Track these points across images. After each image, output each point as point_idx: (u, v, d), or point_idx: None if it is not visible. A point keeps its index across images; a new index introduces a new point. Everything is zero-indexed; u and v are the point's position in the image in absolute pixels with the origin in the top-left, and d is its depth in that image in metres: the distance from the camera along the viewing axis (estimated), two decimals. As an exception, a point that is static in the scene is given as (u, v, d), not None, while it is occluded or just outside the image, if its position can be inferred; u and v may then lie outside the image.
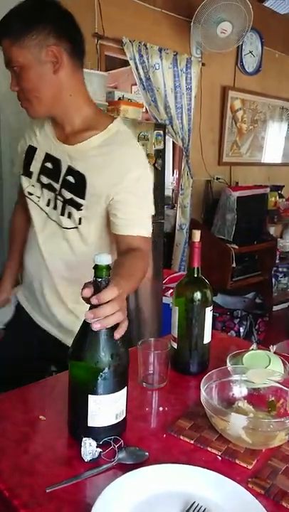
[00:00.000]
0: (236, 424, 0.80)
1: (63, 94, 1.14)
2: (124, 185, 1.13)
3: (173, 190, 4.01)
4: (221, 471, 0.75)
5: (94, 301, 0.76)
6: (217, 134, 4.05)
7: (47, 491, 0.70)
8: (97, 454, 0.77)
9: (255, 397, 0.95)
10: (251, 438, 0.80)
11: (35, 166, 1.25)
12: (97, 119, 1.19)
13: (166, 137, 2.85)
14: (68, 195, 1.18)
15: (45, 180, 1.23)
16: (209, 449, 0.83)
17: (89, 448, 0.77)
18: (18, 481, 0.73)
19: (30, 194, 1.26)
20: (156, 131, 2.69)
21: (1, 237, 2.50)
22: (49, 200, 1.23)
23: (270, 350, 1.11)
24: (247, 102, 4.22)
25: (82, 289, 0.79)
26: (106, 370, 0.79)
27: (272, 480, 0.75)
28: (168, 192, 3.80)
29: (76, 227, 1.19)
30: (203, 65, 3.60)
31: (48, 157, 1.22)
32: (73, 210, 1.18)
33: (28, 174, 1.26)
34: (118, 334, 0.80)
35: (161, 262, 2.93)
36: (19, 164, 1.31)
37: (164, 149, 2.76)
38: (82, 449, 0.77)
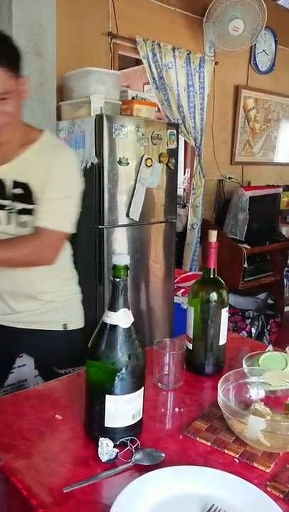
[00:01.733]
0: (254, 427, 0.79)
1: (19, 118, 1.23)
2: (49, 183, 1.22)
3: (184, 189, 4.00)
4: (239, 474, 0.75)
5: None
6: (229, 133, 4.03)
7: (64, 491, 0.70)
8: (114, 455, 0.77)
9: (272, 399, 0.94)
10: (269, 441, 0.79)
11: None
12: (29, 132, 1.27)
13: (179, 136, 2.84)
14: (19, 205, 1.23)
15: None
16: (226, 451, 0.82)
17: (106, 448, 0.76)
18: (35, 480, 0.73)
19: None
20: (169, 131, 2.68)
21: None
22: (0, 219, 1.25)
23: (286, 352, 1.10)
24: (260, 101, 4.19)
25: None
26: (123, 370, 0.79)
27: (291, 484, 0.74)
28: (180, 191, 3.79)
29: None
30: (216, 63, 3.58)
31: None
32: (26, 218, 1.23)
33: None
34: None
35: (172, 261, 2.92)
36: None
37: (176, 148, 2.75)
38: (100, 449, 0.77)
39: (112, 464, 0.76)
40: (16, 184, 1.24)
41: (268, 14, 3.33)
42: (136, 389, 0.81)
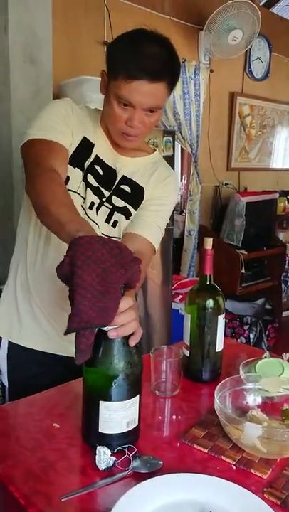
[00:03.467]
0: (251, 434, 0.79)
1: None
2: (161, 203, 1.22)
3: (181, 195, 4.01)
4: (236, 481, 0.75)
5: None
6: (226, 139, 4.05)
7: (62, 499, 0.70)
8: (111, 463, 0.77)
9: (269, 405, 0.94)
10: (266, 447, 0.79)
11: (87, 164, 1.16)
12: (144, 143, 1.27)
13: (175, 143, 2.86)
14: (121, 203, 1.18)
15: (93, 182, 1.15)
16: (223, 458, 0.82)
17: (103, 456, 0.77)
18: (32, 488, 0.73)
19: (74, 192, 1.12)
20: (165, 138, 2.70)
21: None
22: (92, 203, 1.15)
23: (283, 358, 1.10)
24: (255, 107, 4.22)
25: None
26: (119, 377, 0.79)
27: (288, 490, 0.74)
28: (176, 198, 3.80)
29: (119, 237, 1.18)
30: (211, 71, 3.61)
31: (99, 161, 1.17)
32: (122, 219, 1.18)
33: (81, 168, 1.14)
34: (133, 341, 0.80)
35: (170, 267, 2.93)
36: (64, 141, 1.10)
37: (173, 155, 2.77)
38: (97, 457, 0.77)
39: (109, 472, 0.77)
40: (126, 180, 1.19)
41: (262, 22, 3.36)
42: (130, 396, 0.81)
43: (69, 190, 1.07)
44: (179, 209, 3.94)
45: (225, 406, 0.87)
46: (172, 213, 2.88)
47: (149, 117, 1.08)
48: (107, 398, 0.79)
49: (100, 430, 0.81)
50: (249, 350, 1.39)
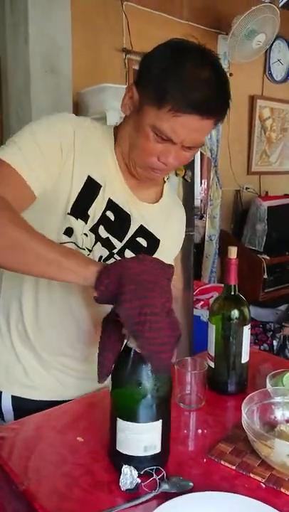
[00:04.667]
0: (281, 451, 0.76)
1: None
2: (173, 255, 1.15)
3: (201, 200, 3.99)
4: (266, 500, 0.72)
5: None
6: (246, 143, 4.01)
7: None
8: (134, 484, 0.74)
9: (298, 420, 0.91)
10: (297, 465, 0.76)
11: (95, 211, 0.96)
12: None
13: (195, 148, 2.84)
14: None
15: (104, 233, 0.98)
16: (252, 475, 0.79)
17: (129, 477, 0.74)
18: (57, 505, 0.72)
19: (77, 245, 0.96)
20: (185, 143, 2.68)
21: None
22: (100, 256, 0.99)
23: (311, 370, 1.07)
24: (276, 110, 4.17)
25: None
26: (139, 397, 0.75)
27: None
28: (197, 202, 3.78)
29: None
30: (230, 75, 3.58)
31: (112, 206, 0.98)
32: None
33: (84, 217, 0.96)
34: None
35: (191, 273, 2.90)
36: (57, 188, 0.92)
37: (193, 161, 2.75)
38: (122, 476, 0.74)
39: (136, 493, 0.74)
40: (143, 232, 1.02)
41: (282, 23, 3.32)
42: (149, 420, 0.76)
43: (73, 245, 0.94)
44: (199, 214, 3.91)
45: (252, 421, 0.85)
46: (192, 218, 2.88)
47: (186, 153, 0.92)
48: (125, 417, 0.76)
49: (118, 448, 0.78)
50: (274, 361, 1.36)
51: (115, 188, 0.98)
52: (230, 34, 3.25)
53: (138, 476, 0.75)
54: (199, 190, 3.96)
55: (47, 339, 1.04)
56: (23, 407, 1.05)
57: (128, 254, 1.02)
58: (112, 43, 2.91)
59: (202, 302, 3.07)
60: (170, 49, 0.88)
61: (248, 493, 0.74)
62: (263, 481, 0.78)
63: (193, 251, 2.92)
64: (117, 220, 0.99)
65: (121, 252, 1.02)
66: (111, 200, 0.98)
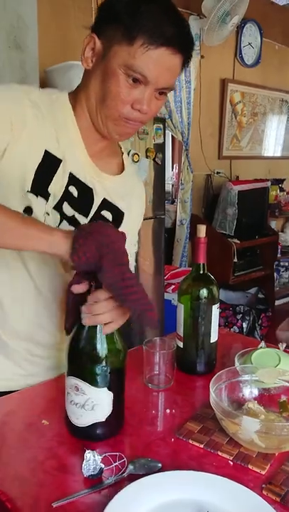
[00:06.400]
0: (248, 428, 0.76)
1: None
2: (136, 228, 1.13)
3: (173, 185, 3.97)
4: (233, 477, 0.72)
5: (89, 299, 0.77)
6: (217, 127, 4.00)
7: (54, 505, 0.66)
8: (98, 470, 0.72)
9: (266, 397, 0.91)
10: (264, 442, 0.76)
11: (56, 187, 0.92)
12: (115, 143, 1.06)
13: (166, 131, 2.81)
14: None
15: (68, 210, 0.95)
16: (220, 453, 0.79)
17: (92, 462, 0.72)
18: (21, 491, 0.69)
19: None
20: (155, 125, 2.64)
21: None
22: None
23: (279, 349, 1.07)
24: (247, 94, 4.17)
25: (72, 285, 0.79)
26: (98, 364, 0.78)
27: (287, 486, 0.71)
28: (168, 187, 3.76)
29: None
30: (202, 57, 3.55)
31: (74, 180, 0.94)
32: None
33: (44, 195, 0.91)
34: (105, 329, 0.78)
35: (161, 257, 2.89)
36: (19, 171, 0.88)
37: (164, 143, 2.72)
38: (84, 462, 0.72)
39: (98, 479, 0.72)
40: (107, 205, 1.00)
41: (253, 7, 3.31)
42: (103, 384, 0.79)
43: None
44: (171, 198, 3.90)
45: (221, 399, 0.84)
46: (164, 203, 2.86)
47: (158, 101, 0.89)
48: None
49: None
50: (243, 340, 1.36)
51: (76, 159, 0.94)
52: (210, 18, 3.20)
53: (101, 461, 0.73)
54: (170, 174, 3.94)
55: (12, 322, 0.99)
56: None
57: None
58: (80, 21, 2.82)
59: (173, 286, 3.06)
60: None
61: (216, 471, 0.74)
62: (231, 458, 0.78)
63: (164, 235, 2.91)
64: (81, 195, 0.96)
65: None
66: (72, 174, 0.94)
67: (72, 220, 0.96)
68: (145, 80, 0.84)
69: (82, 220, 0.97)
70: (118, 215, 1.04)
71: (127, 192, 1.07)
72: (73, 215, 0.96)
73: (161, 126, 2.67)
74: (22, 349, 1.02)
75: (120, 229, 0.88)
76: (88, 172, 0.97)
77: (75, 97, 0.96)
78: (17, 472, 0.73)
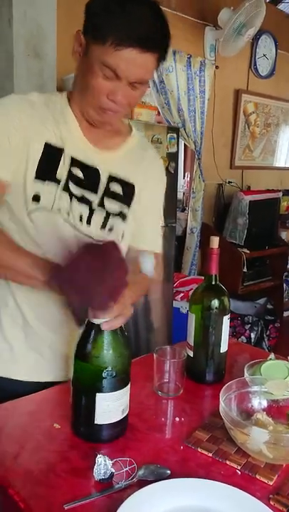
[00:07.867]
0: (257, 439, 0.77)
1: None
2: (156, 199, 1.17)
3: (184, 193, 3.98)
4: (241, 486, 0.73)
5: None
6: (229, 137, 4.02)
7: (65, 507, 0.67)
8: (108, 474, 0.73)
9: (275, 409, 0.92)
10: (272, 453, 0.77)
11: (62, 172, 1.00)
12: (121, 123, 1.12)
13: (179, 140, 2.83)
14: (115, 207, 1.06)
15: (76, 191, 1.01)
16: (228, 462, 0.80)
17: (103, 467, 0.73)
18: (32, 492, 0.71)
19: (58, 209, 0.99)
20: (169, 134, 2.67)
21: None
22: (81, 215, 1.02)
23: (288, 361, 1.08)
24: (260, 105, 4.19)
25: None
26: (110, 368, 0.81)
27: (294, 497, 0.72)
28: (179, 195, 3.78)
29: None
30: (216, 67, 3.58)
31: (76, 163, 1.01)
32: (118, 223, 1.06)
33: (54, 180, 0.99)
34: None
35: (171, 265, 2.91)
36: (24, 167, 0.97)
37: (177, 152, 2.74)
38: (96, 466, 0.73)
39: (108, 483, 0.73)
40: (114, 180, 1.05)
41: (269, 19, 3.33)
42: (124, 385, 0.85)
43: (43, 210, 0.98)
44: (182, 206, 3.91)
45: (230, 409, 0.85)
46: (174, 211, 2.87)
47: (134, 92, 0.95)
48: (105, 390, 0.82)
49: (97, 422, 0.82)
50: (252, 351, 1.37)
51: (76, 145, 1.01)
52: (226, 29, 3.22)
53: (112, 466, 0.75)
54: (182, 182, 3.96)
55: (40, 311, 1.06)
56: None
57: (108, 204, 1.05)
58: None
59: (182, 294, 3.07)
60: None
61: (223, 479, 0.75)
62: (239, 468, 0.79)
63: (174, 243, 2.92)
64: (86, 175, 1.02)
65: (101, 204, 1.04)
66: (73, 158, 1.01)
67: (82, 199, 1.02)
68: (117, 76, 0.91)
69: (92, 198, 1.03)
70: (129, 188, 1.08)
71: (136, 162, 1.11)
72: (83, 195, 1.02)
73: (175, 135, 2.70)
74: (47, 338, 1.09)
75: (136, 204, 1.03)
76: (88, 154, 1.03)
77: (71, 91, 1.05)
78: (30, 474, 0.75)
